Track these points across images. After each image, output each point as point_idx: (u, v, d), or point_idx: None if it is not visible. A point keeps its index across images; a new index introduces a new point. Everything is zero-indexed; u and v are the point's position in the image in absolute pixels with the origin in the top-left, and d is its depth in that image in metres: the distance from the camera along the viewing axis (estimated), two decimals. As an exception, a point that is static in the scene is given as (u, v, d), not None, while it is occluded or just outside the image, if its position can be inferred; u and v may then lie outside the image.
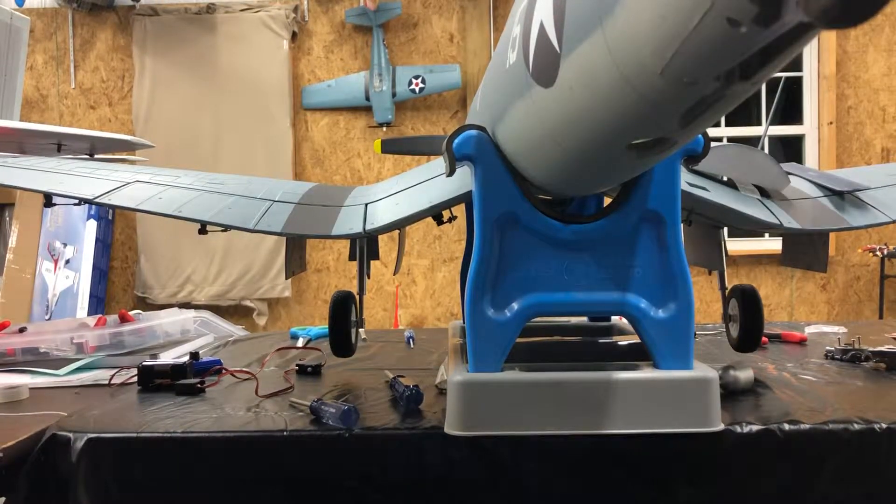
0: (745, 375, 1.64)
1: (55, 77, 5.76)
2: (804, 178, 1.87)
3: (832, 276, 5.60)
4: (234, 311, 5.57)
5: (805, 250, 1.97)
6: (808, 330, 2.44)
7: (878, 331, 2.47)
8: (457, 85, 5.54)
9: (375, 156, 5.69)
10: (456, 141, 1.37)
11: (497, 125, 1.32)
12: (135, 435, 1.46)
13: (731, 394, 1.60)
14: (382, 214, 1.62)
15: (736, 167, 1.77)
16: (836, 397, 1.58)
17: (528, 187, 1.37)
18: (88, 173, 1.74)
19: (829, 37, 5.42)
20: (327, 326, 1.86)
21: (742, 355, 1.93)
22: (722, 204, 1.62)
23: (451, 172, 1.40)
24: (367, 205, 1.68)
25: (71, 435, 1.44)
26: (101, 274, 5.44)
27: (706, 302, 5.52)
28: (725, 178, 1.75)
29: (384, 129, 5.59)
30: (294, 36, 5.66)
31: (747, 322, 1.76)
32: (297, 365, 2.02)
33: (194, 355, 2.03)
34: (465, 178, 1.51)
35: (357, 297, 1.84)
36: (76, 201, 1.60)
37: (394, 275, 3.63)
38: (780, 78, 4.27)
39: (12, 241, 5.23)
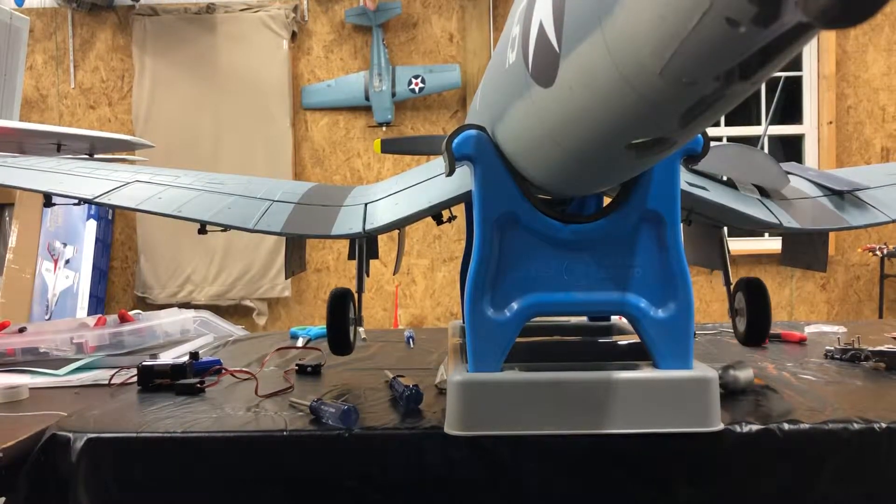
0: (744, 375, 1.64)
1: (55, 77, 5.76)
2: (804, 178, 1.87)
3: (832, 276, 5.60)
4: (233, 311, 5.57)
5: (805, 250, 1.97)
6: (808, 329, 2.44)
7: (878, 330, 2.47)
8: (456, 85, 5.54)
9: (375, 156, 5.69)
10: (455, 141, 1.37)
11: (497, 125, 1.32)
12: (135, 435, 1.46)
13: (731, 393, 1.60)
14: (382, 214, 1.62)
15: (736, 167, 1.76)
16: (835, 397, 1.58)
17: (528, 187, 1.37)
18: (88, 173, 1.74)
19: (829, 36, 5.42)
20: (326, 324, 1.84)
21: (742, 355, 1.93)
22: (721, 203, 1.62)
23: (450, 172, 1.40)
24: (366, 204, 1.68)
25: (71, 435, 1.44)
26: (101, 274, 5.44)
27: (706, 302, 5.52)
28: (725, 178, 1.75)
29: (384, 128, 5.59)
30: (294, 36, 5.66)
31: (754, 315, 1.74)
32: (296, 365, 2.02)
33: (194, 355, 2.03)
34: (464, 178, 1.51)
35: (355, 294, 1.83)
36: (76, 201, 1.60)
37: (393, 274, 3.63)
38: (780, 77, 4.27)
39: (12, 241, 5.23)
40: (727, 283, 1.83)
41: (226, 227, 1.57)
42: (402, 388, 1.58)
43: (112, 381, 1.97)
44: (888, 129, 5.56)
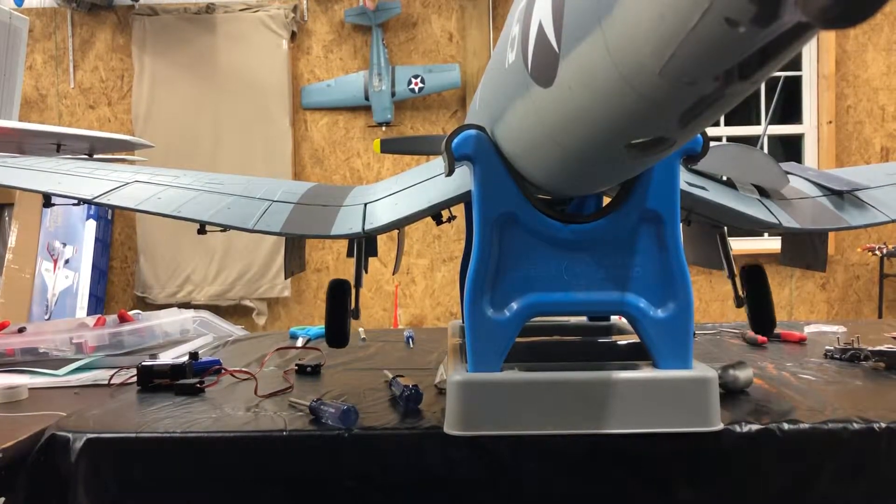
0: (744, 375, 1.64)
1: (54, 77, 5.76)
2: (803, 178, 1.87)
3: (831, 276, 5.60)
4: (233, 311, 5.57)
5: (804, 250, 1.97)
6: (808, 329, 2.44)
7: (878, 330, 2.47)
8: (456, 84, 5.54)
9: (375, 155, 5.69)
10: (455, 140, 1.37)
11: (496, 125, 1.32)
12: (134, 435, 1.46)
13: (731, 393, 1.60)
14: (381, 214, 1.62)
15: (735, 167, 1.76)
16: (835, 397, 1.58)
17: (528, 187, 1.37)
18: (88, 173, 1.74)
19: (829, 36, 5.42)
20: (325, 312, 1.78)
21: (742, 355, 1.93)
22: (721, 203, 1.62)
23: (450, 172, 1.40)
24: (366, 204, 1.68)
25: (70, 435, 1.44)
26: (101, 274, 5.44)
27: (705, 301, 5.52)
28: (725, 178, 1.75)
29: (383, 128, 5.59)
30: (293, 35, 5.66)
31: (754, 301, 1.76)
32: (296, 365, 2.02)
33: (193, 355, 2.03)
34: (464, 178, 1.51)
35: (353, 287, 1.81)
36: (75, 201, 1.60)
37: (393, 274, 3.63)
38: (780, 77, 4.27)
39: (12, 241, 5.22)
40: (731, 275, 1.84)
41: (225, 228, 1.57)
42: (402, 388, 1.58)
43: (112, 382, 1.97)
44: (888, 129, 5.56)
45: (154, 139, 4.57)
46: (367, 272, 1.86)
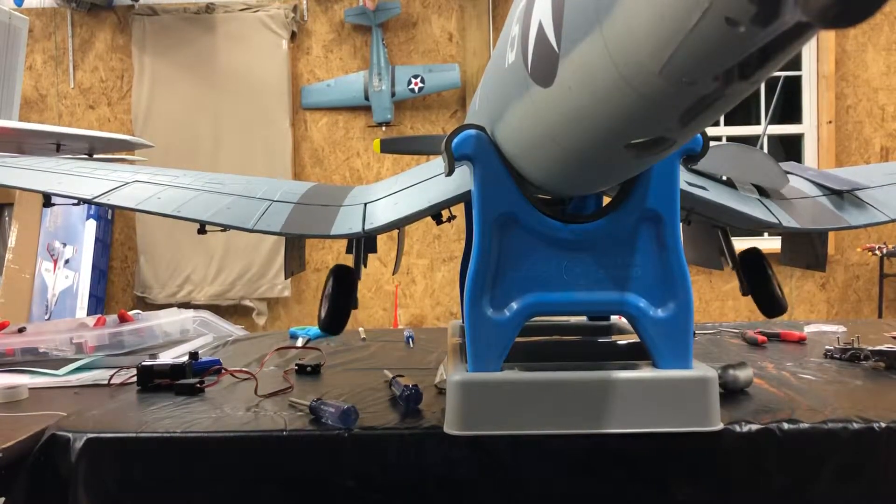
0: (744, 374, 1.64)
1: (54, 77, 5.76)
2: (803, 178, 1.87)
3: (831, 276, 5.60)
4: (233, 311, 5.57)
5: (804, 249, 1.97)
6: (808, 329, 2.44)
7: (878, 330, 2.47)
8: (456, 84, 5.54)
9: (375, 155, 5.69)
10: (455, 140, 1.37)
11: (496, 125, 1.32)
12: (134, 435, 1.46)
13: (731, 393, 1.60)
14: (381, 214, 1.62)
15: (735, 166, 1.76)
16: (835, 396, 1.58)
17: (528, 187, 1.37)
18: (87, 173, 1.74)
19: (829, 36, 5.42)
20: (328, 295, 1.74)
21: (742, 355, 1.93)
22: (721, 203, 1.62)
23: (449, 172, 1.40)
24: (366, 204, 1.68)
25: (70, 435, 1.44)
26: (101, 274, 5.44)
27: (705, 301, 5.52)
28: (724, 178, 1.75)
29: (383, 128, 5.59)
30: (293, 35, 5.66)
31: (756, 285, 1.76)
32: (296, 365, 2.02)
33: (193, 355, 2.03)
34: (464, 178, 1.51)
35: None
36: (75, 201, 1.60)
37: (393, 274, 3.63)
38: (779, 77, 4.27)
39: (11, 241, 5.22)
40: (735, 266, 1.84)
41: (225, 227, 1.57)
42: (402, 388, 1.58)
43: (112, 381, 1.97)
44: (887, 129, 5.56)
45: (154, 139, 4.57)
46: (365, 266, 1.86)
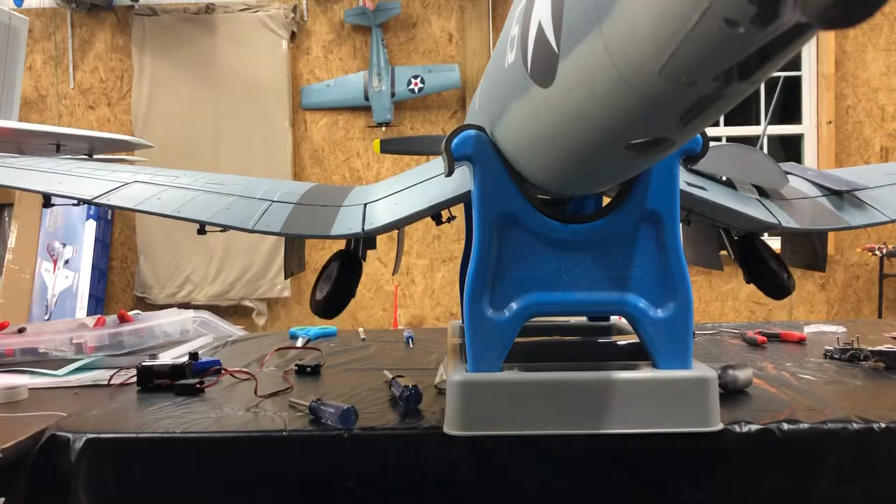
0: (744, 375, 1.64)
1: (54, 77, 5.76)
2: (803, 178, 1.87)
3: (831, 276, 5.60)
4: (233, 311, 5.57)
5: (804, 250, 1.97)
6: (808, 329, 2.44)
7: (877, 330, 2.47)
8: (456, 85, 5.54)
9: (374, 156, 5.69)
10: (455, 141, 1.37)
11: (496, 125, 1.32)
12: (134, 435, 1.46)
13: (731, 393, 1.60)
14: (381, 214, 1.62)
15: (735, 167, 1.76)
16: (835, 396, 1.58)
17: (527, 187, 1.37)
18: (87, 173, 1.74)
19: (828, 36, 5.43)
20: (322, 278, 1.71)
21: (741, 355, 1.93)
22: (721, 203, 1.62)
23: (449, 172, 1.40)
24: (366, 205, 1.68)
25: (70, 435, 1.44)
26: (101, 274, 5.45)
27: (705, 301, 5.52)
28: (724, 178, 1.75)
29: (383, 128, 5.59)
30: (293, 36, 5.66)
31: (755, 270, 1.77)
32: (296, 365, 2.02)
33: (193, 355, 2.03)
34: (464, 178, 1.51)
35: None
36: (75, 202, 1.60)
37: (393, 274, 3.64)
38: (779, 77, 4.28)
39: (11, 241, 5.23)
40: (735, 256, 1.84)
41: (225, 228, 1.57)
42: (402, 389, 1.58)
43: (111, 382, 1.97)
44: (887, 129, 5.56)
45: (154, 139, 4.58)
46: (364, 260, 1.86)
